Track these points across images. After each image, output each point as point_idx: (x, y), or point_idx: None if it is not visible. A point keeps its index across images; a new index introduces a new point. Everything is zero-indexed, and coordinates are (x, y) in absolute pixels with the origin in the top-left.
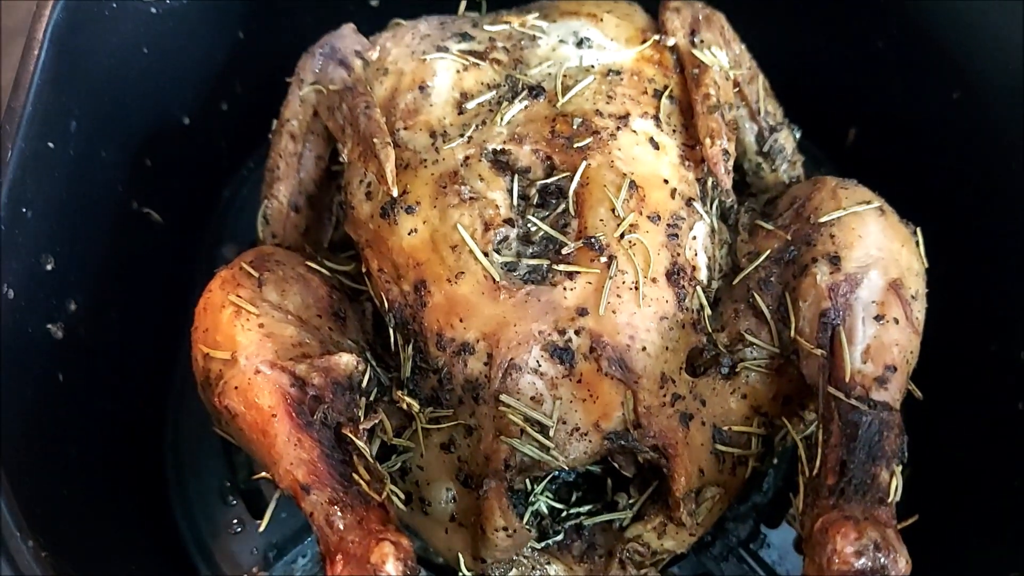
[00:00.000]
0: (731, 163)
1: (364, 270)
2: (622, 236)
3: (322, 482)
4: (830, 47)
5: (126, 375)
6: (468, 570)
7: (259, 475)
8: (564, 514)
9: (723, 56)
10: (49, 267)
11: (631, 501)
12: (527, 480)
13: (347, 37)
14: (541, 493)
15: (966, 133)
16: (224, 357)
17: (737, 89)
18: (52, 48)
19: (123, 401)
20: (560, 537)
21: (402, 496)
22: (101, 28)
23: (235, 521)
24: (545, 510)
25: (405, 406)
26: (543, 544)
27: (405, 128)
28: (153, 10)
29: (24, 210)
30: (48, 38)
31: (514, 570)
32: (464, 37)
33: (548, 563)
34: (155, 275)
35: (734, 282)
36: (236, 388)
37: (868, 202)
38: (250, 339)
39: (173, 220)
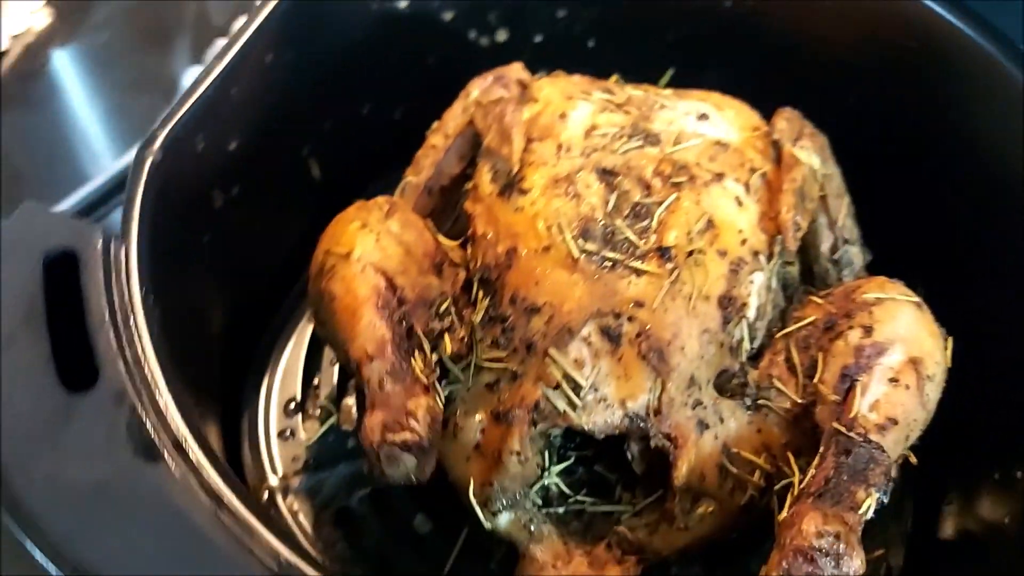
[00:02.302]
0: (800, 234)
1: (470, 233)
2: (690, 254)
3: (385, 357)
4: (905, 198)
5: (255, 271)
6: (474, 496)
7: (326, 403)
8: (570, 500)
9: (817, 162)
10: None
11: (634, 501)
12: (544, 454)
13: (514, 69)
14: (556, 473)
15: None
16: (342, 253)
17: (823, 196)
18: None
19: (242, 293)
20: (562, 511)
21: (442, 398)
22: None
23: (288, 431)
24: (555, 490)
25: (466, 331)
26: (545, 510)
27: (538, 139)
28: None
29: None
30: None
31: (513, 513)
32: (608, 91)
33: (544, 523)
34: (297, 216)
35: (777, 335)
36: (343, 277)
37: (909, 296)
38: (366, 246)
39: (330, 181)
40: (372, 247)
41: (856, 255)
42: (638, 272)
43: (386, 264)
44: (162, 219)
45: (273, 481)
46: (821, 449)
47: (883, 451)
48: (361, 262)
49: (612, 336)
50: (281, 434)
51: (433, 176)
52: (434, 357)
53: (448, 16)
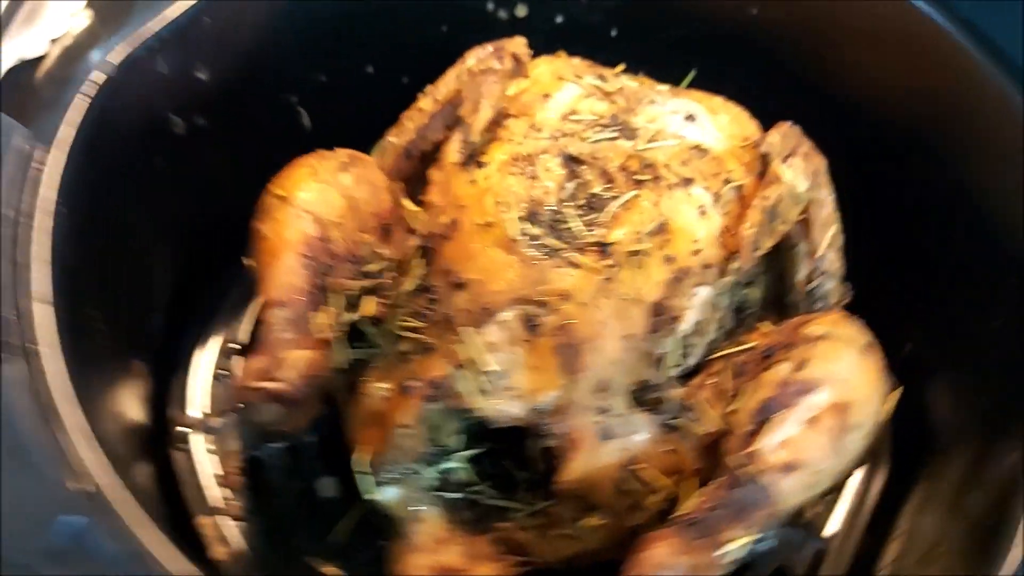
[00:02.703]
0: (758, 254)
1: (424, 200)
2: (633, 254)
3: (290, 306)
4: (893, 254)
5: (227, 209)
6: (362, 464)
7: None
8: (469, 488)
9: (803, 183)
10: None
11: (532, 502)
12: (451, 437)
13: (515, 43)
14: (463, 459)
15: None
16: (283, 195)
17: (805, 221)
18: None
19: (203, 228)
20: (457, 497)
21: (348, 357)
22: None
23: (224, 372)
24: (456, 476)
25: (383, 298)
26: (439, 493)
27: (515, 116)
28: None
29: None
30: None
31: (399, 489)
32: (601, 78)
33: (432, 505)
34: (281, 163)
35: (714, 357)
36: (276, 219)
37: (857, 337)
38: (308, 193)
39: (318, 131)
40: (315, 195)
41: (833, 290)
42: (574, 264)
43: (324, 214)
44: (106, 133)
45: (195, 416)
46: (715, 478)
47: (772, 493)
48: (298, 208)
49: (532, 325)
50: (216, 374)
51: (415, 140)
52: (353, 316)
53: None
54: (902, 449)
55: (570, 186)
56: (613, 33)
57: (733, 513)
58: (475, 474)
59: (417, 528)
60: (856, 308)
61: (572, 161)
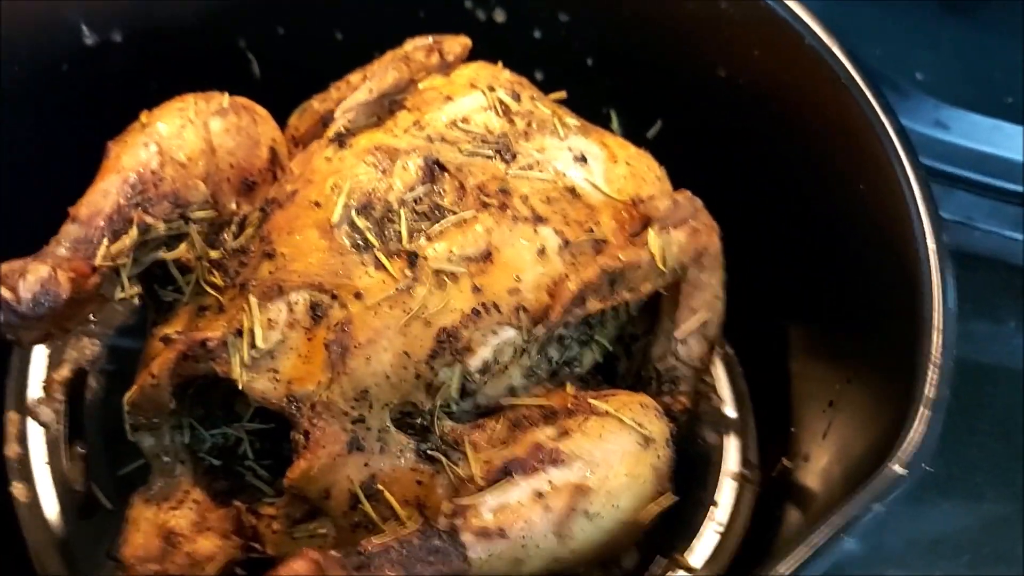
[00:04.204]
0: (577, 314)
1: (287, 165)
2: (437, 273)
3: (84, 225)
4: None
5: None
6: (126, 402)
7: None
8: (245, 461)
9: (675, 256)
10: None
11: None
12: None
13: (454, 41)
14: (246, 431)
15: None
16: (144, 121)
17: (672, 298)
18: None
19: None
20: (216, 462)
21: (127, 288)
22: None
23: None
24: (230, 443)
25: (192, 246)
26: (201, 454)
27: (407, 109)
28: None
29: None
30: None
31: (153, 437)
32: (515, 96)
33: (182, 462)
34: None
35: (508, 403)
36: (125, 142)
37: (641, 427)
38: (167, 126)
39: (272, 84)
40: (173, 130)
41: (685, 378)
42: (380, 266)
43: (171, 151)
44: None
45: None
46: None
47: (466, 555)
48: (150, 137)
49: (317, 314)
50: None
51: (333, 109)
52: (157, 255)
53: None
54: None
55: (420, 189)
56: (589, 62)
57: (410, 560)
58: (253, 449)
59: (159, 481)
60: None
61: (436, 166)
